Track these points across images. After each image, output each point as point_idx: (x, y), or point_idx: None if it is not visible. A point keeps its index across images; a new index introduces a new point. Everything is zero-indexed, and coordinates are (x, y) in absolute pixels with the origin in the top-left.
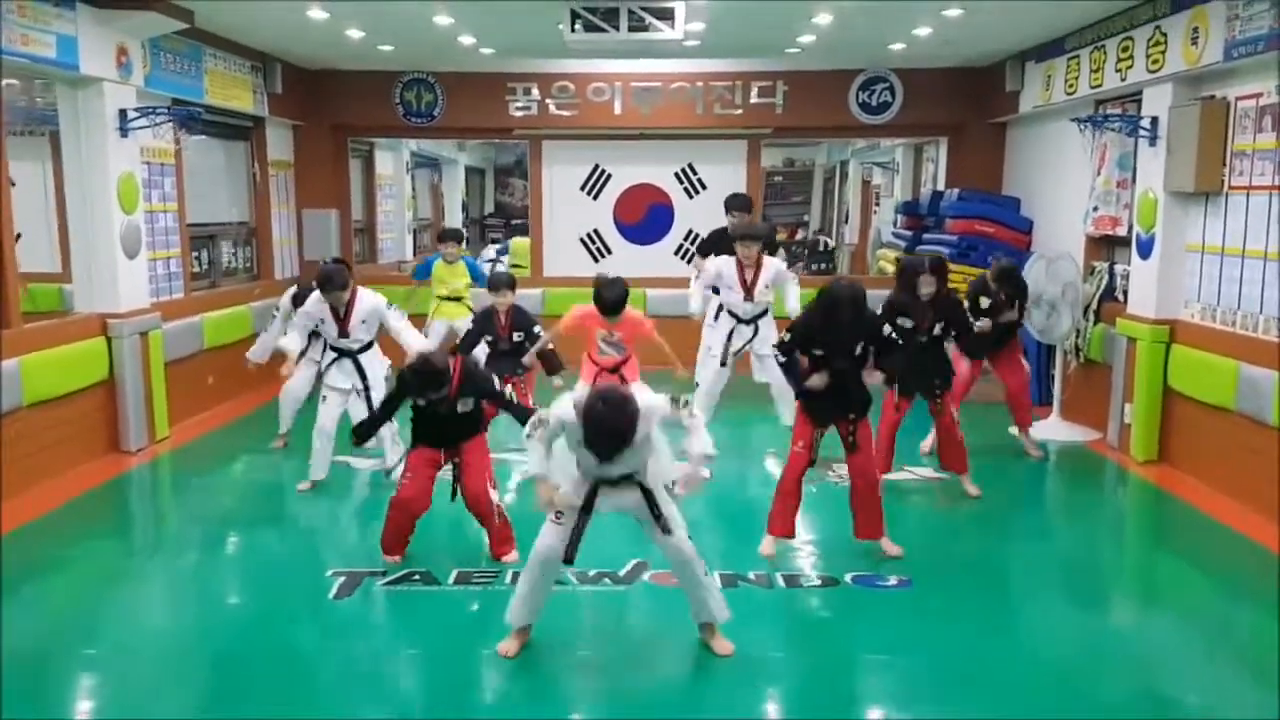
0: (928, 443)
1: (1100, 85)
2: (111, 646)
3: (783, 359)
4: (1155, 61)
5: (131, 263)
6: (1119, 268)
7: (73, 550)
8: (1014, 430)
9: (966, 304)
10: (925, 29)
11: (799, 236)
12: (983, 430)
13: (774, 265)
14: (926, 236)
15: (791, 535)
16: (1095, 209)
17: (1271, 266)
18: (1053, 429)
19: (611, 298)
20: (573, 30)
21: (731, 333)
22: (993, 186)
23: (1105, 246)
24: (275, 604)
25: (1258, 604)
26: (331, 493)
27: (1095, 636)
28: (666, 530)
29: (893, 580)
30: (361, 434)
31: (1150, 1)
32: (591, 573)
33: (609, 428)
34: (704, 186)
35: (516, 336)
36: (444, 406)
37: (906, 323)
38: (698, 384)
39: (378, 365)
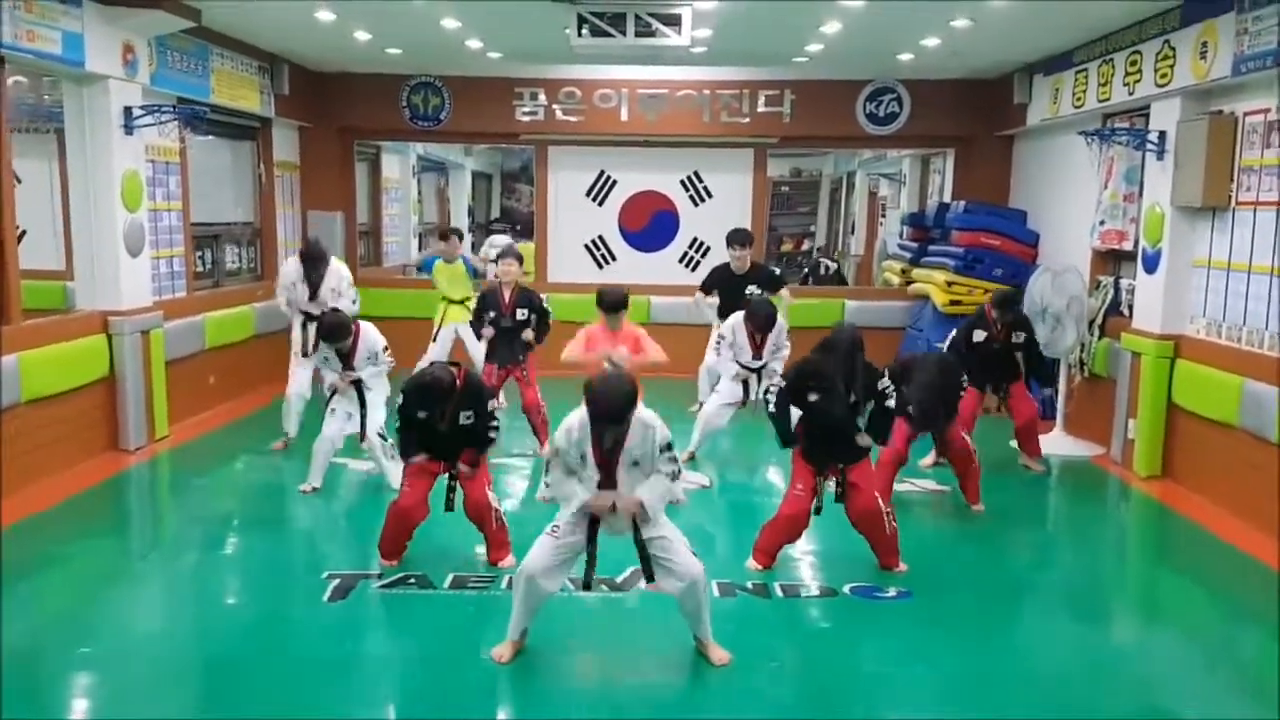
0: (928, 459)
1: (1108, 99)
2: (107, 645)
3: (772, 409)
4: (1164, 75)
5: (134, 261)
6: (1124, 282)
7: (70, 548)
8: (1014, 443)
9: (957, 335)
10: (934, 39)
11: (804, 247)
12: (985, 443)
13: (780, 329)
14: (932, 248)
15: (769, 567)
16: (1102, 223)
17: (1278, 282)
18: (1056, 443)
19: (611, 298)
20: (579, 35)
21: (746, 383)
22: (999, 199)
23: (1111, 260)
24: (270, 605)
25: (1259, 622)
26: (328, 495)
27: (1096, 652)
28: (650, 578)
29: (892, 592)
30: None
31: (1159, 16)
32: None
33: (611, 390)
34: (710, 194)
35: (520, 314)
36: (444, 422)
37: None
38: (701, 404)
39: (378, 391)
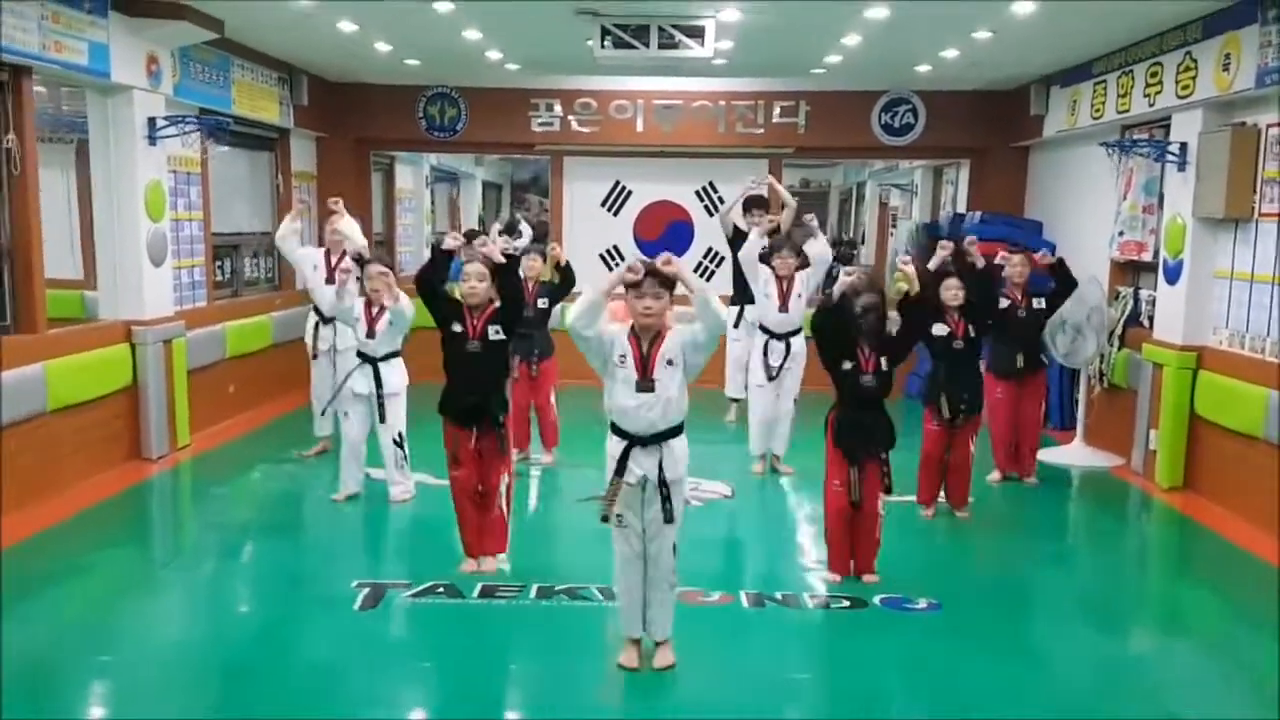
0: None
1: (1128, 110)
2: (131, 655)
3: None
4: (1185, 87)
5: (157, 270)
6: (1144, 293)
7: (94, 557)
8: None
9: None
10: (953, 51)
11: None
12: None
13: (804, 276)
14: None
15: (847, 573)
16: (1121, 234)
17: None
18: (1075, 454)
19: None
20: (602, 47)
21: (766, 347)
22: (1014, 210)
23: (1130, 271)
24: (303, 615)
25: None
26: (354, 503)
27: (1119, 665)
28: (669, 519)
29: (922, 604)
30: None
31: (1180, 28)
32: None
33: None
34: (724, 204)
35: (541, 303)
36: (475, 336)
37: (941, 329)
38: (739, 404)
39: (397, 376)
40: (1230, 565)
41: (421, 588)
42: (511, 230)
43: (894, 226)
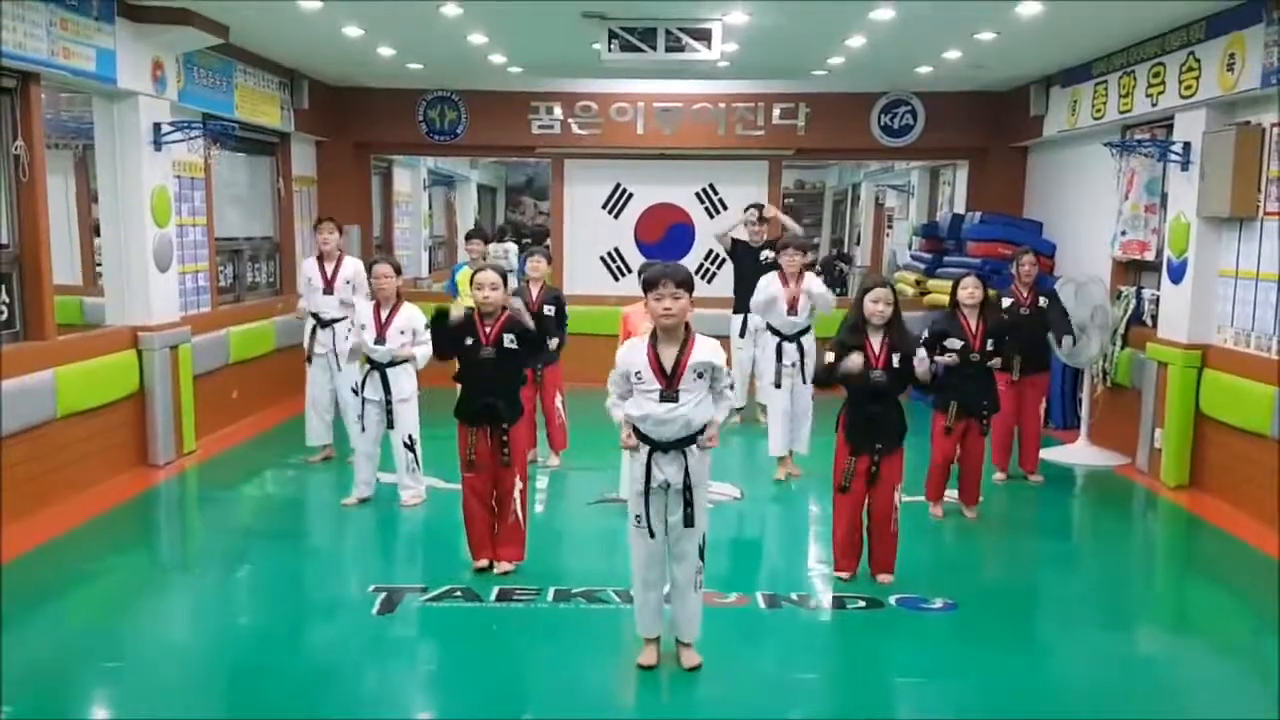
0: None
1: (1130, 110)
2: (146, 661)
3: (823, 375)
4: (1189, 87)
5: (163, 276)
6: (1146, 292)
7: (106, 563)
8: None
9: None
10: (955, 52)
11: (808, 259)
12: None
13: (811, 280)
14: (947, 259)
15: (855, 570)
16: (1123, 233)
17: None
18: (1080, 453)
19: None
20: (609, 50)
21: (779, 349)
22: (1013, 210)
23: (1132, 271)
24: (317, 620)
25: None
26: (368, 507)
27: (1129, 663)
28: (689, 522)
29: (938, 604)
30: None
31: (1183, 28)
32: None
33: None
34: (725, 206)
35: (547, 309)
36: (489, 344)
37: (955, 343)
38: (758, 404)
39: (407, 381)
40: (1238, 563)
41: (438, 591)
42: (502, 236)
43: (890, 227)
